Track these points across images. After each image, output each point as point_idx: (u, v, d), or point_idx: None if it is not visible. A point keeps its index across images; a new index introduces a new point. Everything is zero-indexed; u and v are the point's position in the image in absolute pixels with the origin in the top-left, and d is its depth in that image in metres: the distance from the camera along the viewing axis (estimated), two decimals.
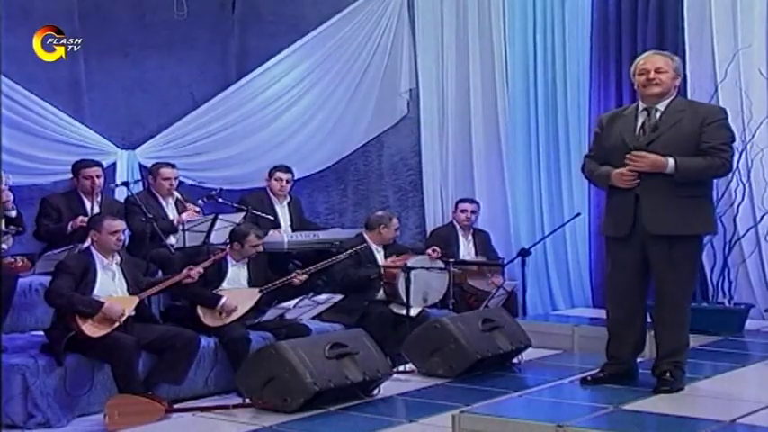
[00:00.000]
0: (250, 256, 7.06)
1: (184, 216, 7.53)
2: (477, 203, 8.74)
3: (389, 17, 9.33)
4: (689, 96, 7.36)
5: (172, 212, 7.74)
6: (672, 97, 5.12)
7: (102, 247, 6.33)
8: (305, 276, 7.07)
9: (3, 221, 6.43)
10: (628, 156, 5.00)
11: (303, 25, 9.29)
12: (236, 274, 7.04)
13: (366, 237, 7.92)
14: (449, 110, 9.25)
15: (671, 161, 4.93)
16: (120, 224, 6.47)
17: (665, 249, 5.00)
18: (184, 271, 6.53)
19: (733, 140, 5.13)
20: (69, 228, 7.12)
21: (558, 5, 8.72)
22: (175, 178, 7.81)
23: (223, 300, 6.76)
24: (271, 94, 9.11)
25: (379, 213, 8.18)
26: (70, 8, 8.30)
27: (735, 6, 7.72)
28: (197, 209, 7.74)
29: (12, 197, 6.67)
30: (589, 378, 5.27)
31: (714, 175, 5.14)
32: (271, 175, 8.38)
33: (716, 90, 7.58)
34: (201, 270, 6.57)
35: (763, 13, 7.64)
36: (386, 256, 7.90)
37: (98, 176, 7.45)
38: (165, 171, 7.83)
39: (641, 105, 5.15)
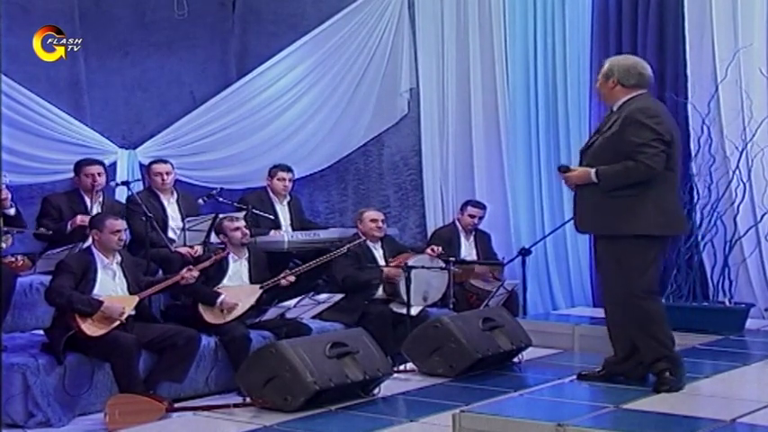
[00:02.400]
0: (243, 243, 7.03)
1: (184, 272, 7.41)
2: (486, 208, 8.68)
3: (390, 16, 9.33)
4: (689, 96, 7.37)
5: (173, 211, 7.73)
6: (624, 99, 5.05)
7: (104, 247, 6.33)
8: (293, 278, 7.05)
9: (1, 220, 6.43)
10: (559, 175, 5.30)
11: (303, 25, 9.29)
12: (238, 271, 7.03)
13: (360, 234, 7.93)
14: (449, 109, 9.25)
15: (592, 172, 5.00)
16: (121, 223, 6.48)
17: (595, 247, 5.16)
18: (183, 271, 6.53)
19: (656, 139, 4.90)
20: (69, 227, 7.12)
21: (559, 5, 8.73)
22: (167, 173, 7.78)
23: (221, 297, 6.75)
24: (271, 94, 9.10)
25: (359, 211, 8.22)
26: (70, 8, 8.28)
27: (735, 6, 7.72)
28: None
29: (10, 195, 6.67)
30: (583, 373, 5.30)
31: (636, 178, 4.92)
32: (273, 174, 8.34)
33: (716, 89, 7.59)
34: (197, 273, 6.57)
35: (764, 12, 7.65)
36: (385, 257, 7.90)
37: (99, 174, 7.44)
38: (155, 166, 7.84)
39: None
